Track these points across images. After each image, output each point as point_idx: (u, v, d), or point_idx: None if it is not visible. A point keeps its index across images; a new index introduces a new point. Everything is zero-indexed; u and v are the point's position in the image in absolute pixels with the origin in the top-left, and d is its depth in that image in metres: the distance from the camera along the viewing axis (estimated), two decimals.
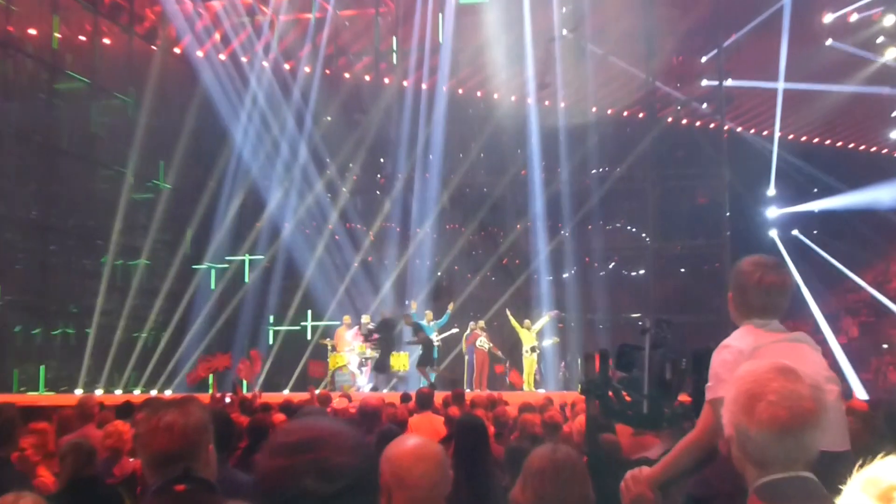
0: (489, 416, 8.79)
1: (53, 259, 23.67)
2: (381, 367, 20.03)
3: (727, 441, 2.39)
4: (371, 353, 20.80)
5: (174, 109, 25.78)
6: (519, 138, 26.42)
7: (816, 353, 3.76)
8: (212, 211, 26.37)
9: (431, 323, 21.14)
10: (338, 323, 21.88)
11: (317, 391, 13.09)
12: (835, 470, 1.96)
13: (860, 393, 19.45)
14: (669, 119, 26.76)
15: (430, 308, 22.49)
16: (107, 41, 25.89)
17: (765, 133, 27.39)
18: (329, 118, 27.17)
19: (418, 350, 21.46)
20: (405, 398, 11.62)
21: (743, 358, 3.53)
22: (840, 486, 1.75)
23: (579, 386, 4.73)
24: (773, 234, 26.21)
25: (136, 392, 22.30)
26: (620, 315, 24.30)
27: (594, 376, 4.47)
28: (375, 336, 20.13)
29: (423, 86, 26.92)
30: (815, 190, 26.55)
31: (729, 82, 25.45)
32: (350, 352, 20.56)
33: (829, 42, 24.47)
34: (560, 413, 8.57)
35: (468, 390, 19.12)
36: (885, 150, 27.77)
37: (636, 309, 24.64)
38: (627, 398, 4.41)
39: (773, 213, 26.56)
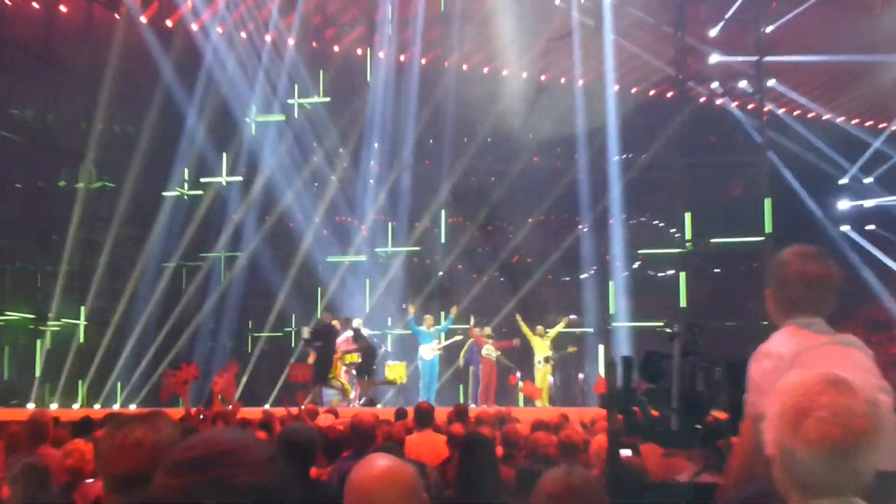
0: (497, 435, 8.78)
1: (2, 256, 23.65)
2: (319, 380, 19.89)
3: (769, 461, 2.37)
4: None
5: (140, 86, 25.75)
6: (531, 121, 26.37)
7: (868, 358, 3.72)
8: (183, 201, 26.35)
9: (432, 329, 21.14)
10: None
11: (305, 402, 13.07)
12: (887, 492, 1.95)
13: None
14: (702, 99, 26.69)
15: (429, 312, 22.48)
16: (63, 9, 25.86)
17: (810, 115, 27.31)
18: (316, 97, 27.16)
19: (415, 359, 21.48)
20: (400, 414, 11.62)
21: (784, 365, 3.51)
22: None
23: (599, 399, 4.71)
24: (820, 229, 26.07)
25: (96, 407, 22.31)
26: (646, 321, 24.23)
27: (617, 388, 4.45)
28: (318, 344, 19.99)
29: (423, 61, 26.89)
30: (869, 180, 26.44)
31: (770, 57, 25.36)
32: (338, 361, 20.54)
33: None
34: (578, 432, 8.57)
35: (473, 405, 19.13)
36: None
37: (664, 314, 24.58)
38: (654, 413, 4.38)
39: (820, 206, 26.44)
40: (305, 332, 20.66)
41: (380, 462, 2.81)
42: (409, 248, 26.65)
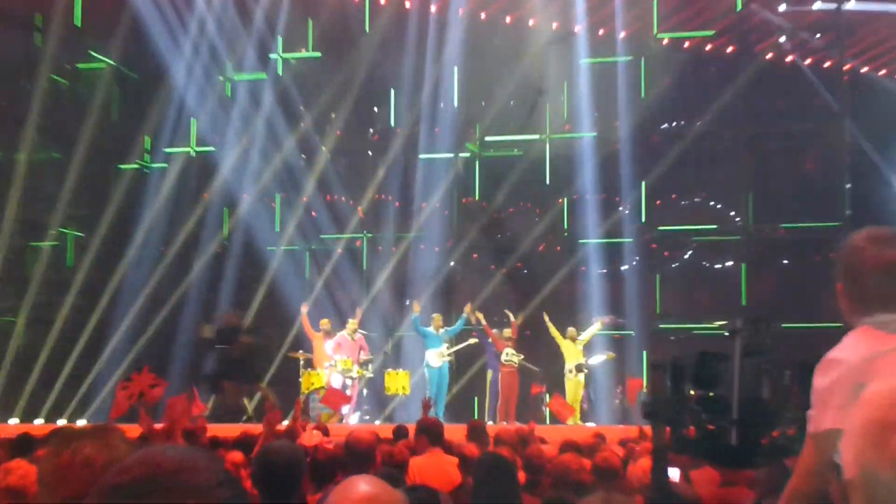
0: (519, 458, 8.79)
1: None
2: (215, 389, 20.00)
3: (844, 487, 2.35)
4: (360, 370, 20.81)
5: (94, 41, 25.71)
6: (562, 81, 26.31)
7: None
8: (144, 177, 26.36)
9: (441, 331, 21.15)
10: (314, 329, 21.85)
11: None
12: None
13: None
14: (769, 55, 26.57)
15: (439, 310, 22.46)
16: None
17: None
18: (304, 51, 27.11)
19: (420, 367, 21.49)
20: (399, 433, 11.60)
21: (853, 374, 3.46)
22: None
23: (643, 408, 4.66)
24: None
25: (38, 422, 22.34)
26: (700, 321, 24.16)
27: (664, 395, 4.41)
28: (222, 347, 20.10)
29: (432, 7, 26.81)
30: None
31: (851, 4, 25.24)
32: (330, 368, 20.57)
33: None
34: (616, 454, 8.56)
35: (490, 422, 19.12)
36: None
37: (721, 313, 24.49)
38: (709, 426, 4.35)
39: None
40: (208, 331, 20.66)
41: (361, 487, 2.77)
42: (415, 234, 26.60)
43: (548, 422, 21.33)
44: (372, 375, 21.71)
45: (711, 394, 4.35)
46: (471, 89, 26.65)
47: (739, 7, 25.72)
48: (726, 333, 4.38)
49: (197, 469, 2.01)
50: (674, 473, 5.20)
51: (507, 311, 21.88)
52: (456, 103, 26.71)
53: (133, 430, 11.24)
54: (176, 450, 2.07)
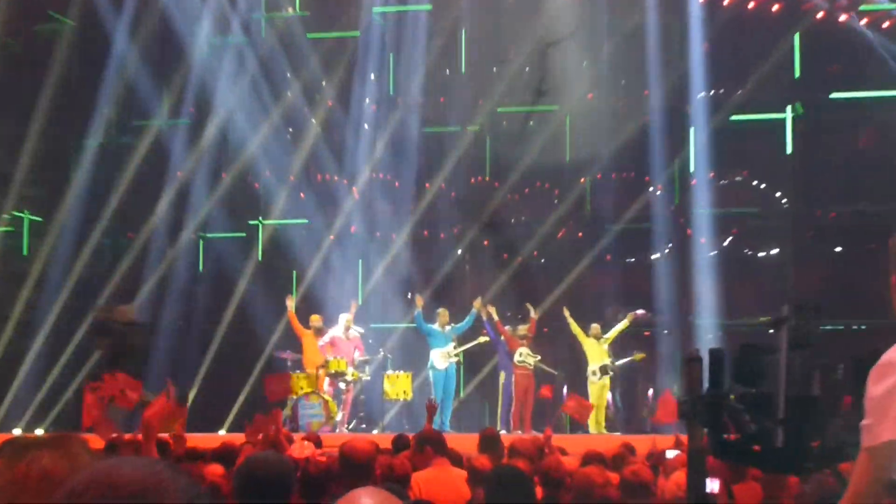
0: (536, 471, 8.80)
1: None
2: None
3: None
4: (354, 372, 20.80)
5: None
6: (585, 45, 26.24)
7: None
8: (109, 154, 26.33)
9: (447, 328, 21.13)
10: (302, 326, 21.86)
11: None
12: None
13: None
14: (819, 14, 26.50)
15: (444, 305, 22.44)
16: None
17: None
18: (291, 10, 27.08)
19: (424, 368, 21.50)
20: (400, 443, 11.60)
21: None
22: None
23: (678, 407, 4.64)
24: None
25: None
26: (741, 316, 24.13)
27: (700, 392, 4.40)
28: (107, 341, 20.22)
29: None
30: None
31: None
32: (321, 370, 20.57)
33: None
34: (647, 467, 8.57)
35: (503, 431, 19.12)
36: None
37: (765, 307, 24.36)
38: (752, 427, 4.33)
39: None
40: (115, 314, 20.73)
41: (364, 501, 2.79)
42: (417, 218, 26.55)
43: (568, 430, 21.35)
44: (369, 378, 21.67)
45: (754, 391, 4.34)
46: (479, 53, 26.59)
47: None
48: (770, 331, 4.36)
49: (162, 488, 1.98)
50: (713, 485, 5.19)
51: (528, 305, 21.87)
52: (464, 69, 26.64)
53: (98, 439, 11.29)
54: (137, 465, 2.03)
